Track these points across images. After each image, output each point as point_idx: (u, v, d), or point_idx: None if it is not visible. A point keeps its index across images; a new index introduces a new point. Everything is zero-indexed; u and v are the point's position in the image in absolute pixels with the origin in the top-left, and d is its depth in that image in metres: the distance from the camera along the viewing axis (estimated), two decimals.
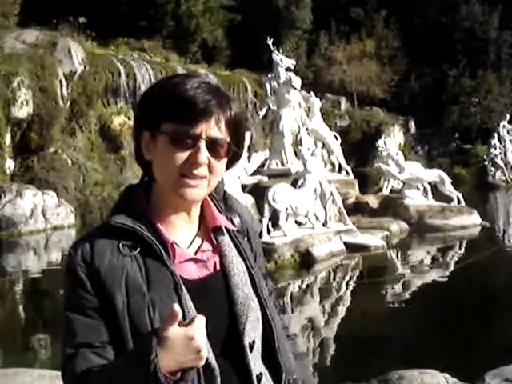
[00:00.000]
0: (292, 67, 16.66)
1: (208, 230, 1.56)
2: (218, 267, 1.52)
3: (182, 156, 1.40)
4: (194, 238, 1.54)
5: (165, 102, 1.42)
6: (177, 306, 1.25)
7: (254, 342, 1.48)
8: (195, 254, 1.51)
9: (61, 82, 21.60)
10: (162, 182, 1.47)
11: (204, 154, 1.40)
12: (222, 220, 1.56)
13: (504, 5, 43.49)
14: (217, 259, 1.53)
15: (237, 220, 1.62)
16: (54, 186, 18.98)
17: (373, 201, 16.22)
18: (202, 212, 1.57)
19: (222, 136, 1.44)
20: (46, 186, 18.77)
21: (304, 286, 10.30)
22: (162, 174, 1.45)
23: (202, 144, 1.40)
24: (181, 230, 1.52)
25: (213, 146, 1.42)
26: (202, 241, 1.54)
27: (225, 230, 1.57)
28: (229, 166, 1.53)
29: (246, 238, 1.63)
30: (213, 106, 1.41)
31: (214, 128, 1.42)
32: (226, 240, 1.56)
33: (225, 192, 1.65)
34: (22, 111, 19.67)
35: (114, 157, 23.75)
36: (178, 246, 1.47)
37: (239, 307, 1.48)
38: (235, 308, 1.48)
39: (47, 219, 17.51)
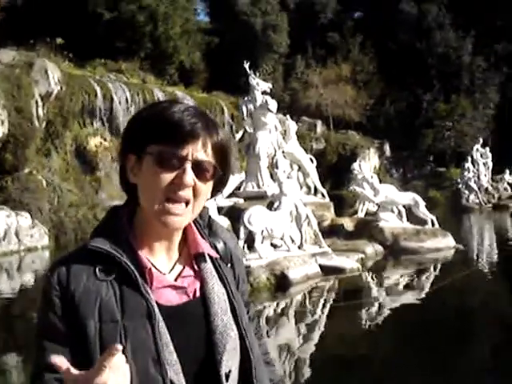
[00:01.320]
0: (268, 90, 16.76)
1: (190, 256, 1.54)
2: (198, 294, 1.50)
3: (168, 177, 1.39)
4: (175, 264, 1.52)
5: (152, 124, 1.42)
6: None
7: (230, 371, 1.46)
8: (176, 279, 1.49)
9: (37, 102, 21.50)
10: (145, 207, 1.46)
11: (190, 176, 1.39)
12: (204, 247, 1.55)
13: (477, 31, 44.30)
14: (198, 286, 1.51)
15: (220, 246, 1.61)
16: (28, 206, 18.82)
17: (348, 223, 16.28)
18: (184, 237, 1.55)
19: (208, 159, 1.43)
20: (20, 206, 18.59)
21: (279, 308, 10.27)
22: (146, 197, 1.44)
23: (188, 165, 1.39)
24: (162, 255, 1.50)
25: (198, 168, 1.41)
26: (184, 267, 1.53)
27: (207, 257, 1.55)
28: (214, 192, 1.53)
29: (229, 265, 1.62)
30: (199, 128, 1.41)
31: (201, 151, 1.42)
32: (208, 267, 1.54)
33: (209, 218, 1.64)
34: None
35: (90, 178, 23.63)
36: (158, 271, 1.46)
37: (218, 336, 1.46)
38: (213, 337, 1.46)
39: (21, 240, 17.32)
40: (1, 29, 25.40)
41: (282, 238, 12.21)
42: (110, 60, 31.16)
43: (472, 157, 35.10)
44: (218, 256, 1.58)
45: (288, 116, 18.52)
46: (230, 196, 14.81)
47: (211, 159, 1.44)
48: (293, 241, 12.46)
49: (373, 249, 14.58)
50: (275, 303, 10.55)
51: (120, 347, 1.19)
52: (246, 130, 16.85)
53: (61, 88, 22.86)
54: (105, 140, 24.74)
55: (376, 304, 10.32)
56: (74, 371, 1.19)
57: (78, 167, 23.66)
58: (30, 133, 20.68)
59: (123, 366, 1.21)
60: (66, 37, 27.15)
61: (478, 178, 34.39)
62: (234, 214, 12.95)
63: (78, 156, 23.81)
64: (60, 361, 1.20)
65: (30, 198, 19.28)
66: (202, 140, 1.42)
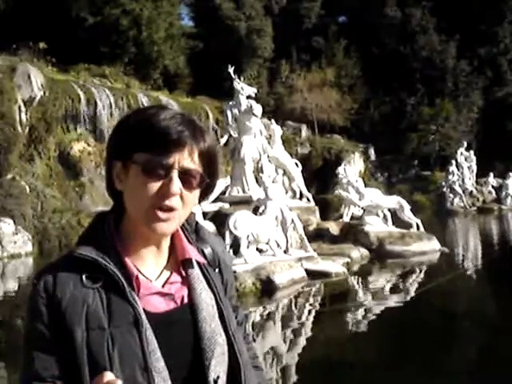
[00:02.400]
0: (253, 95, 16.76)
1: (178, 262, 1.54)
2: (185, 300, 1.50)
3: (155, 186, 1.39)
4: (162, 270, 1.52)
5: (138, 132, 1.40)
6: None
7: (218, 377, 1.46)
8: (163, 286, 1.49)
9: (20, 107, 21.38)
10: (132, 214, 1.45)
11: (176, 185, 1.39)
12: (191, 252, 1.54)
13: (461, 35, 44.65)
14: (185, 292, 1.51)
15: (208, 251, 1.60)
16: (12, 213, 18.66)
17: (334, 227, 16.31)
18: (172, 243, 1.55)
19: (194, 167, 1.42)
20: (3, 213, 18.44)
21: (266, 313, 10.24)
22: (133, 204, 1.43)
23: (175, 174, 1.39)
24: (149, 262, 1.50)
25: (185, 176, 1.41)
26: (171, 273, 1.52)
27: (195, 263, 1.55)
28: (202, 198, 1.52)
29: (217, 270, 1.61)
30: (186, 136, 1.40)
31: (187, 159, 1.41)
32: (195, 273, 1.54)
33: (197, 223, 1.63)
34: None
35: (74, 183, 23.52)
36: (145, 277, 1.46)
37: (206, 342, 1.45)
38: (201, 343, 1.45)
39: (4, 247, 17.19)
40: None
41: (267, 243, 12.21)
42: (94, 65, 31.04)
43: (456, 160, 35.40)
44: (205, 261, 1.57)
45: (273, 120, 18.54)
46: (215, 201, 14.78)
47: (198, 167, 1.44)
48: (278, 245, 12.46)
49: (358, 253, 14.61)
50: (261, 308, 10.51)
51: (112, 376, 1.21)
52: (230, 135, 16.82)
53: (44, 93, 22.74)
54: (88, 145, 24.63)
55: (362, 308, 10.31)
56: None
57: (61, 173, 23.52)
58: (12, 138, 20.54)
59: None
60: (49, 41, 27.02)
61: (463, 181, 34.68)
62: (220, 219, 12.93)
63: (61, 161, 23.67)
64: None
65: (13, 204, 19.11)
66: (188, 148, 1.41)
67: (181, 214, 1.44)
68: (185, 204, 1.43)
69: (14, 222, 18.23)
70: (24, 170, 21.47)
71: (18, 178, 20.40)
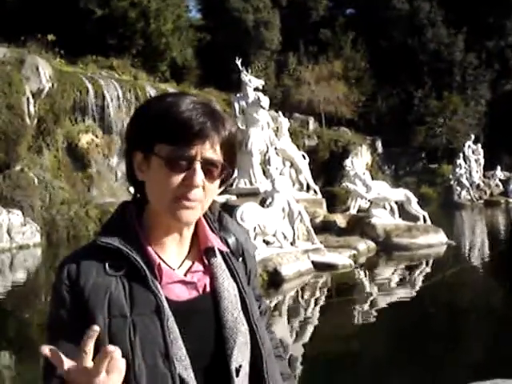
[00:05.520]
0: (261, 87, 16.77)
1: (200, 251, 1.54)
2: (208, 289, 1.49)
3: (177, 178, 1.38)
4: (184, 259, 1.51)
5: (158, 123, 1.39)
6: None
7: (240, 366, 1.45)
8: (185, 274, 1.48)
9: (28, 99, 21.40)
10: (156, 204, 1.45)
11: (199, 176, 1.38)
12: (214, 241, 1.54)
13: (469, 27, 44.41)
14: (207, 281, 1.50)
15: (232, 240, 1.60)
16: (20, 204, 18.73)
17: (340, 220, 16.31)
18: (194, 232, 1.55)
19: (216, 157, 1.41)
20: (11, 204, 18.51)
21: (272, 305, 10.27)
22: (156, 196, 1.43)
23: (198, 166, 1.38)
24: (172, 251, 1.50)
25: (207, 167, 1.40)
26: (194, 262, 1.52)
27: (217, 251, 1.54)
28: (220, 185, 1.51)
29: (240, 259, 1.61)
30: (208, 128, 1.39)
31: (210, 150, 1.40)
32: (218, 261, 1.53)
33: (219, 212, 1.63)
34: None
35: (82, 175, 23.57)
36: (168, 266, 1.46)
37: (228, 331, 1.45)
38: (224, 331, 1.45)
39: (12, 238, 17.27)
40: None
41: (274, 235, 12.23)
42: (102, 57, 31.01)
43: (464, 153, 35.30)
44: (227, 250, 1.57)
45: (280, 113, 18.54)
46: (222, 193, 14.79)
47: (219, 157, 1.43)
48: (285, 237, 12.48)
49: (365, 245, 14.62)
50: (268, 300, 10.54)
51: (114, 348, 1.17)
52: (238, 127, 16.81)
53: (52, 85, 22.75)
54: (96, 137, 24.64)
55: (368, 300, 10.35)
56: (67, 363, 1.18)
57: (69, 164, 23.58)
58: (21, 130, 20.59)
59: (118, 361, 1.19)
60: (58, 33, 26.98)
61: (470, 174, 34.59)
62: (227, 211, 12.84)
63: (69, 153, 23.72)
64: (51, 352, 1.19)
65: (21, 195, 19.18)
66: (210, 139, 1.40)
67: (204, 203, 1.44)
68: (207, 194, 1.43)
69: (23, 213, 18.30)
70: (32, 162, 21.53)
71: (27, 170, 20.47)
